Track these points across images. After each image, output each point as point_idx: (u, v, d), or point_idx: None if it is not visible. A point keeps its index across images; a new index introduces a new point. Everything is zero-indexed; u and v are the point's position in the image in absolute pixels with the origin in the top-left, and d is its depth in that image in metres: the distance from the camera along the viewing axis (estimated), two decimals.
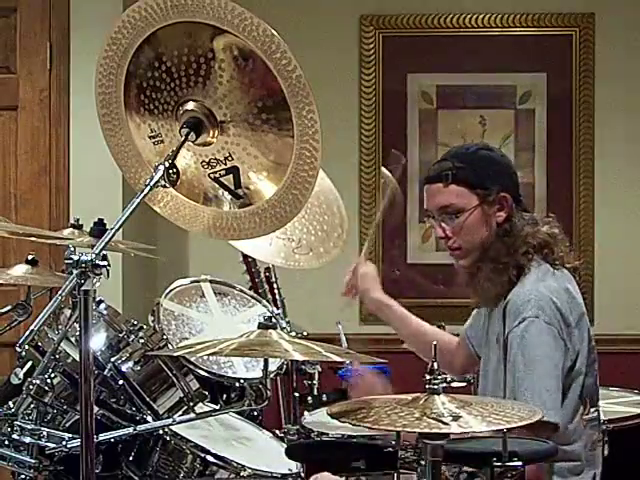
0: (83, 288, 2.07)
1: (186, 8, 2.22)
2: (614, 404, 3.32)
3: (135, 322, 2.98)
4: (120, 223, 2.19)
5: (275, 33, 2.17)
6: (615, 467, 2.76)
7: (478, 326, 2.93)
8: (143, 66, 2.32)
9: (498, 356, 2.67)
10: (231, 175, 2.34)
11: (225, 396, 3.17)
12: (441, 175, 2.71)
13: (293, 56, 2.18)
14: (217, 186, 2.37)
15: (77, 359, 2.42)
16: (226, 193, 2.37)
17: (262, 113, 2.26)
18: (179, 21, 2.25)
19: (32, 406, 2.78)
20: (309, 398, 3.45)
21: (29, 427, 2.71)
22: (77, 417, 2.81)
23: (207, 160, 2.36)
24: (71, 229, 3.42)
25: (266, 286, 3.62)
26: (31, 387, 2.68)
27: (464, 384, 3.20)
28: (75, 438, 2.65)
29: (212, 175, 2.36)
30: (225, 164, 2.34)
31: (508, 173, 2.77)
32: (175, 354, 2.91)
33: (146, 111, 2.36)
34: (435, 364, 2.07)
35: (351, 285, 3.12)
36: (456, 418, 1.97)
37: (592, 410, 2.70)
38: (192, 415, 2.91)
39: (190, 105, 2.31)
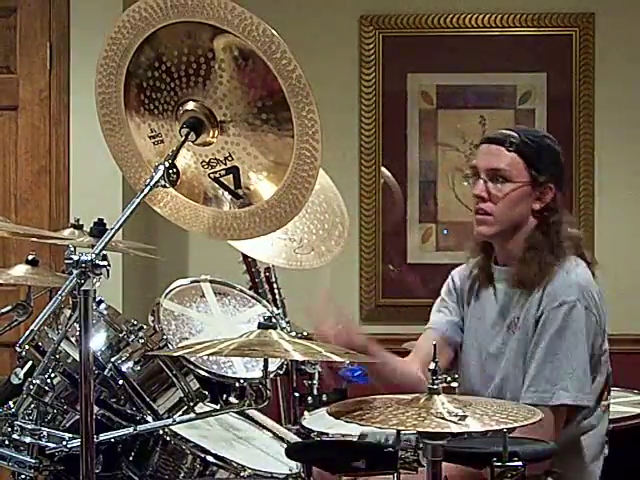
0: (83, 288, 2.07)
1: (186, 8, 2.22)
2: (614, 404, 3.31)
3: (135, 322, 2.97)
4: (120, 223, 2.19)
5: (275, 33, 2.17)
6: (615, 467, 2.76)
7: (458, 320, 2.91)
8: (143, 66, 2.32)
9: (516, 339, 2.69)
10: (231, 175, 2.34)
11: (225, 396, 3.17)
12: (506, 140, 2.72)
13: (293, 56, 2.18)
14: (217, 186, 2.37)
15: (77, 359, 2.42)
16: (226, 193, 2.37)
17: (262, 113, 2.26)
18: (179, 21, 2.25)
19: (32, 406, 2.78)
20: (309, 398, 3.45)
21: (29, 427, 2.70)
22: (77, 417, 2.80)
23: (207, 160, 2.36)
24: (71, 229, 3.42)
25: (266, 286, 3.62)
26: (31, 387, 2.68)
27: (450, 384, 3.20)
28: (75, 438, 2.65)
29: (212, 175, 2.36)
30: (225, 164, 2.34)
31: (562, 171, 2.81)
32: (175, 354, 2.91)
33: (146, 111, 2.36)
34: (436, 364, 2.08)
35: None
36: (463, 418, 1.98)
37: (608, 397, 2.77)
38: (192, 415, 2.91)
39: (190, 105, 2.31)
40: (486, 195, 2.73)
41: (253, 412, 3.17)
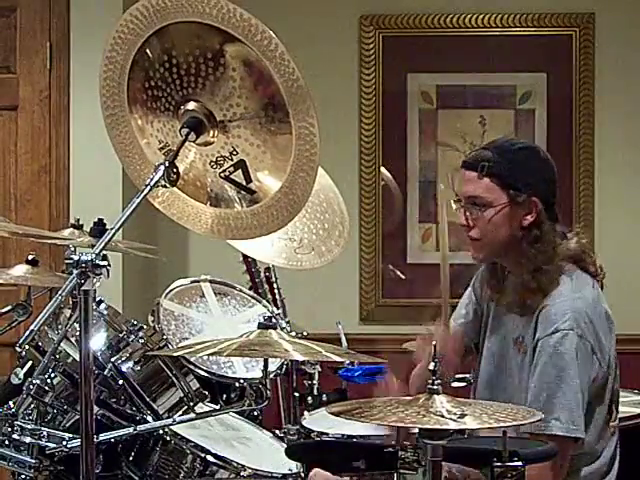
0: (83, 288, 2.07)
1: (189, 9, 2.22)
2: None
3: (135, 322, 2.98)
4: (120, 223, 2.19)
5: (273, 34, 2.17)
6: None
7: (472, 320, 2.89)
8: (150, 61, 2.31)
9: (521, 359, 2.68)
10: (240, 170, 2.33)
11: (225, 396, 3.17)
12: (478, 165, 2.67)
13: (292, 58, 2.17)
14: (226, 186, 2.36)
15: (77, 359, 2.42)
16: (240, 190, 2.36)
17: (262, 115, 2.26)
18: (185, 21, 2.24)
19: (32, 406, 2.79)
20: (309, 398, 3.45)
21: (29, 427, 2.71)
22: (77, 417, 2.81)
23: (214, 159, 2.35)
24: (71, 229, 3.43)
25: (266, 286, 3.62)
26: (31, 387, 2.68)
27: (464, 384, 3.19)
28: (75, 438, 2.65)
29: (223, 174, 2.35)
30: (232, 159, 2.33)
31: (545, 179, 2.70)
32: (175, 354, 2.91)
33: (148, 109, 2.36)
34: (436, 364, 2.08)
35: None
36: (462, 416, 1.99)
37: (617, 417, 2.75)
38: (192, 415, 2.91)
39: (191, 105, 2.30)
40: (470, 223, 2.69)
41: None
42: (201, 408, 2.98)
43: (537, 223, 2.67)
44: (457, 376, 3.28)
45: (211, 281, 3.31)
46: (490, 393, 2.77)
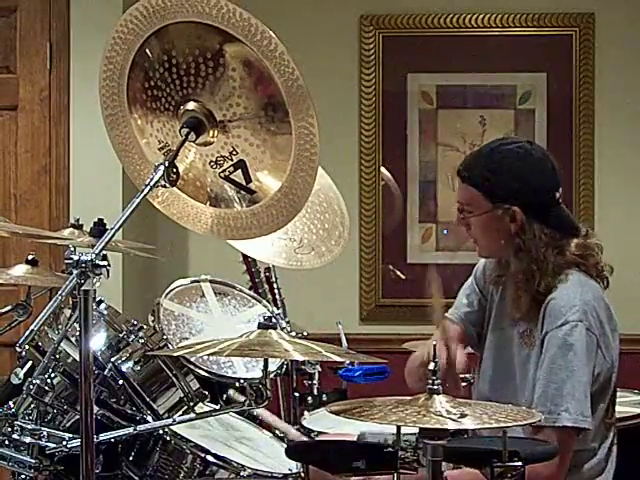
0: (83, 288, 2.07)
1: (189, 9, 2.22)
2: None
3: (135, 322, 2.97)
4: (120, 223, 2.19)
5: (273, 35, 2.17)
6: (615, 467, 2.76)
7: (477, 310, 2.89)
8: (150, 61, 2.31)
9: (526, 353, 2.67)
10: (240, 170, 2.33)
11: (225, 396, 3.17)
12: (461, 172, 2.71)
13: (292, 58, 2.18)
14: (226, 186, 2.36)
15: (77, 359, 2.42)
16: (240, 191, 2.36)
17: (262, 115, 2.26)
18: (185, 21, 2.24)
19: (32, 406, 2.79)
20: (309, 398, 3.45)
21: (29, 427, 2.71)
22: (77, 417, 2.81)
23: (214, 159, 2.35)
24: (71, 229, 3.42)
25: (266, 286, 3.62)
26: (31, 387, 2.68)
27: (464, 384, 3.19)
28: (75, 438, 2.65)
29: (222, 174, 2.35)
30: (231, 159, 2.33)
31: (531, 186, 2.66)
32: (175, 354, 2.91)
33: (148, 109, 2.36)
34: (436, 364, 2.08)
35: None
36: (462, 416, 1.99)
37: (614, 414, 2.76)
38: (192, 415, 2.91)
39: (191, 105, 2.31)
40: (463, 226, 2.74)
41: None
42: (201, 408, 2.98)
43: (520, 232, 2.66)
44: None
45: (211, 281, 3.31)
46: (491, 388, 2.77)
